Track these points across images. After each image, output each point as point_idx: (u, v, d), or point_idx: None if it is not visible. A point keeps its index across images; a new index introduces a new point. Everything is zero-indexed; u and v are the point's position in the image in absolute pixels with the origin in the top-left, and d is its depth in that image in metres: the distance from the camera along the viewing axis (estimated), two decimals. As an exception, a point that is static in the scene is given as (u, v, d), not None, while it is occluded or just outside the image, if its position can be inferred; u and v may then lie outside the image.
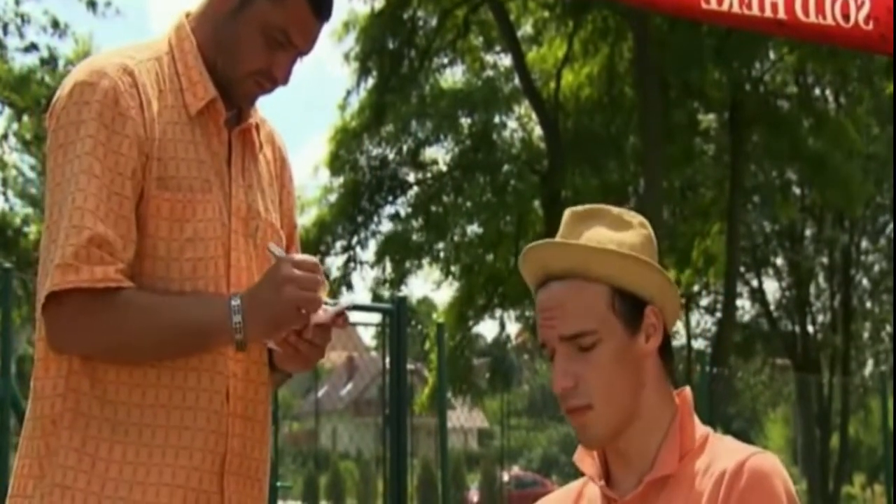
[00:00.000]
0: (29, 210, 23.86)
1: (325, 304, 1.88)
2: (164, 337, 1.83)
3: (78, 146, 1.82)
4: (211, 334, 1.84)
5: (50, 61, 15.13)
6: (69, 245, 1.77)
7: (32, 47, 15.09)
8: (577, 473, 1.83)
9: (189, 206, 1.87)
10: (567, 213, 1.76)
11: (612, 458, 1.73)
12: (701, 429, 1.72)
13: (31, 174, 26.80)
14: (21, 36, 15.20)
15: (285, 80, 1.98)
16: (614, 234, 1.72)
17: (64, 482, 1.83)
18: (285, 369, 1.99)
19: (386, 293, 18.45)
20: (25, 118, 16.05)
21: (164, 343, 1.83)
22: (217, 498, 1.88)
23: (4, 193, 17.32)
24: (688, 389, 1.74)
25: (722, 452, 1.67)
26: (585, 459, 1.75)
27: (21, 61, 15.44)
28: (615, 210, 1.76)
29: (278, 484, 5.98)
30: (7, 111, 15.54)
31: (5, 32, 15.19)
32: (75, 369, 1.86)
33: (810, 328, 25.74)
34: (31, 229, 15.24)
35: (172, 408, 1.85)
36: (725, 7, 2.49)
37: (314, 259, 1.85)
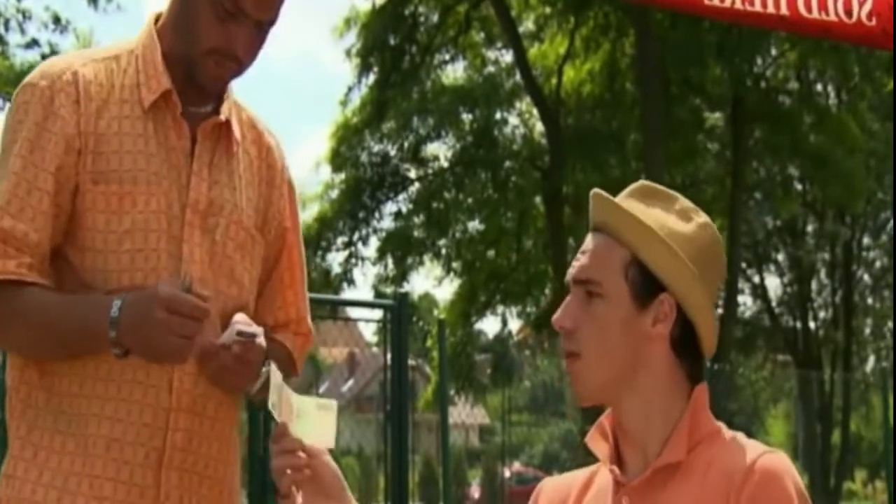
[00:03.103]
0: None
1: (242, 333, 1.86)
2: (49, 338, 1.84)
3: (13, 147, 1.88)
4: (93, 344, 1.83)
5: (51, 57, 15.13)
6: None
7: (34, 43, 15.08)
8: (580, 468, 1.84)
9: (128, 197, 1.88)
10: (637, 183, 1.81)
11: (623, 442, 1.74)
12: (713, 423, 1.73)
13: (32, 170, 26.75)
14: (22, 32, 15.20)
15: (249, 56, 1.95)
16: (669, 218, 1.75)
17: (8, 471, 1.89)
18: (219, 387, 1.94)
19: (387, 289, 18.45)
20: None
21: (52, 344, 1.85)
22: (152, 492, 1.88)
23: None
24: (703, 384, 1.75)
25: (733, 448, 1.67)
26: (599, 443, 1.76)
27: (22, 57, 15.44)
28: (686, 202, 1.79)
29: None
30: (7, 106, 15.53)
31: (6, 28, 15.19)
32: (29, 362, 1.91)
33: (812, 324, 25.75)
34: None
35: (108, 399, 1.87)
36: (728, 3, 2.49)
37: (192, 301, 1.77)
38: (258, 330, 1.89)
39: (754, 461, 1.62)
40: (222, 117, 1.99)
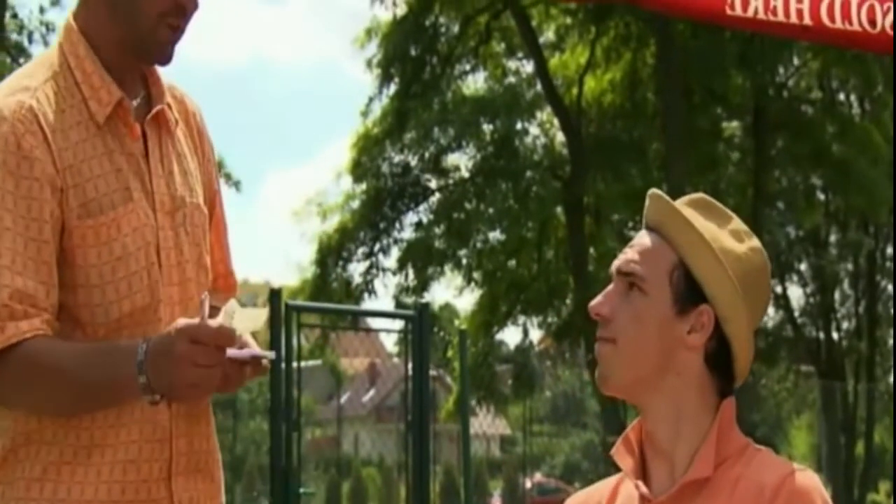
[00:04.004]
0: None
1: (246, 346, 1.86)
2: (76, 395, 1.82)
3: None
4: (123, 394, 1.82)
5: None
6: None
7: (57, 55, 15.18)
8: (600, 480, 1.83)
9: (113, 225, 1.85)
10: (696, 195, 1.82)
11: (650, 454, 1.73)
12: (741, 438, 1.72)
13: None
14: (45, 44, 15.31)
15: (193, 4, 1.92)
16: (722, 234, 1.75)
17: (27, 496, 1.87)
18: None
19: (408, 300, 18.45)
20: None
21: (76, 399, 1.83)
22: (167, 502, 1.89)
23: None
24: (731, 398, 1.74)
25: (762, 464, 1.66)
26: (625, 457, 1.75)
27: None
28: (740, 223, 1.81)
29: (301, 490, 5.99)
30: None
31: (30, 41, 15.32)
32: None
33: (835, 334, 25.59)
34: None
35: (121, 426, 1.86)
36: (750, 13, 2.48)
37: (214, 327, 1.75)
38: (270, 354, 1.89)
39: (784, 479, 1.61)
40: (162, 105, 1.96)
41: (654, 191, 1.78)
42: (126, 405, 1.85)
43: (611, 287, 1.74)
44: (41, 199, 1.81)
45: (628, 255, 1.74)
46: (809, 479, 1.63)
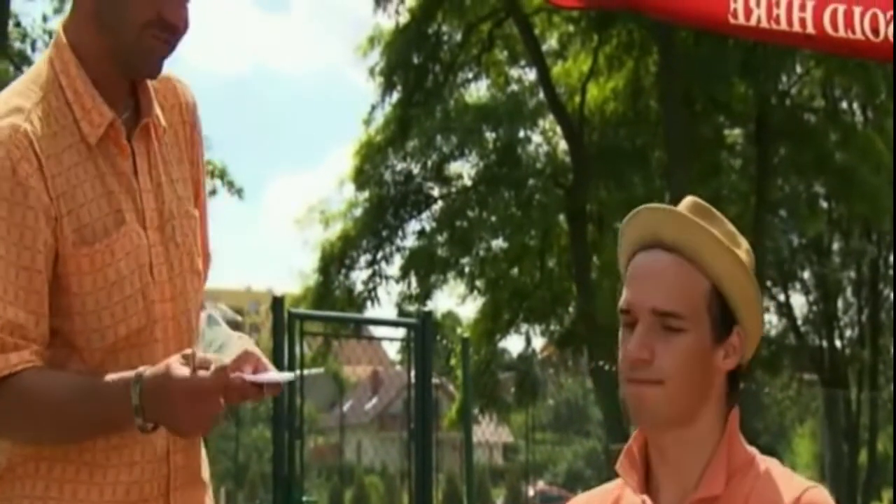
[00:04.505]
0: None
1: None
2: (68, 428, 1.82)
3: None
4: (117, 428, 1.83)
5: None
6: None
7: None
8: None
9: (107, 251, 1.84)
10: (691, 199, 1.70)
11: (659, 469, 1.68)
12: (747, 450, 1.69)
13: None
14: (49, 52, 15.31)
15: (183, 24, 1.89)
16: (735, 245, 1.68)
17: None
18: None
19: (411, 308, 18.44)
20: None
21: (68, 432, 1.83)
22: None
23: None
24: (735, 408, 1.71)
25: (772, 481, 1.63)
26: (630, 471, 1.70)
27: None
28: (730, 225, 1.70)
29: (304, 499, 5.99)
30: None
31: (33, 49, 15.32)
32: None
33: (838, 343, 25.55)
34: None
35: (123, 447, 1.86)
36: (753, 22, 2.48)
37: (211, 380, 1.74)
38: (290, 377, 1.91)
39: (798, 499, 1.59)
40: (150, 118, 1.94)
41: (670, 208, 1.67)
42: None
43: (643, 328, 1.62)
44: (35, 228, 1.78)
45: (657, 289, 1.62)
46: (823, 498, 1.60)
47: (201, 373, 1.74)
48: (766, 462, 1.68)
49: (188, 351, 1.79)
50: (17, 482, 1.86)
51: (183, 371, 1.75)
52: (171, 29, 1.88)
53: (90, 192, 1.84)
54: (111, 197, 1.86)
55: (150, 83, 1.96)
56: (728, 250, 1.64)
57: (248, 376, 1.79)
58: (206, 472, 2.02)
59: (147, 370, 1.78)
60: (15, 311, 1.76)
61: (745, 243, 1.69)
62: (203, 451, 2.02)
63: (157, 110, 1.96)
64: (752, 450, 1.70)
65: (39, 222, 1.79)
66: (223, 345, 1.80)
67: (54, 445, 1.85)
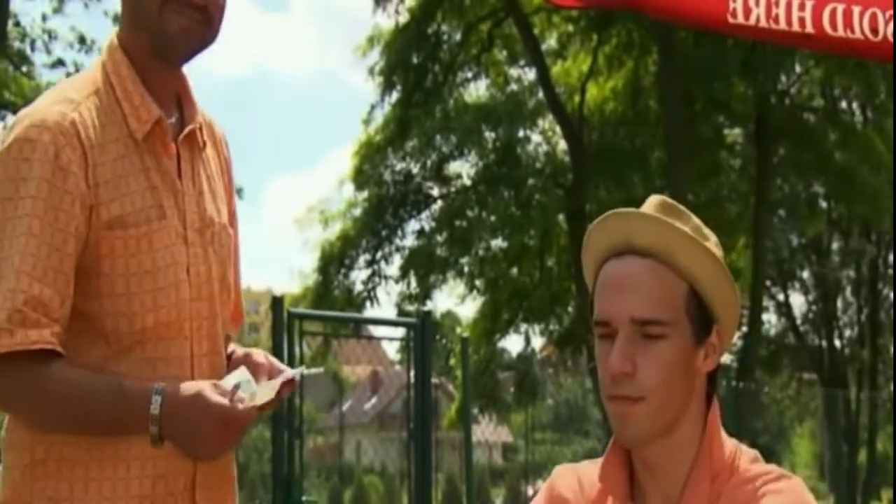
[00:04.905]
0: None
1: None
2: (81, 424, 1.84)
3: (19, 206, 1.81)
4: (129, 433, 1.85)
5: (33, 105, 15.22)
6: (4, 309, 1.77)
7: (59, 63, 15.21)
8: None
9: (145, 238, 1.88)
10: (657, 199, 1.65)
11: (643, 476, 1.65)
12: (728, 445, 1.65)
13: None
14: (48, 52, 15.34)
15: (206, 1, 1.93)
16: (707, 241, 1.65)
17: None
18: None
19: (411, 308, 18.44)
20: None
21: (80, 428, 1.85)
22: None
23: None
24: (715, 403, 1.66)
25: (744, 482, 1.59)
26: (614, 481, 1.66)
27: (48, 77, 15.56)
28: (696, 219, 1.65)
29: (303, 498, 5.98)
30: None
31: (32, 48, 15.33)
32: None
33: (837, 342, 25.57)
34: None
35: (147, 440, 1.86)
36: (752, 21, 2.48)
37: (243, 414, 1.81)
38: (297, 372, 1.94)
39: (763, 491, 1.56)
40: (195, 125, 2.00)
41: (639, 212, 1.62)
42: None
43: (623, 339, 1.57)
44: (70, 213, 1.83)
45: (637, 297, 1.57)
46: (781, 485, 1.57)
47: (238, 404, 1.80)
48: (747, 457, 1.64)
49: (222, 382, 1.85)
50: (37, 483, 1.86)
51: (219, 398, 1.80)
52: (191, 4, 1.92)
53: (134, 184, 1.89)
54: (154, 192, 1.91)
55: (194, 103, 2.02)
56: (703, 248, 1.59)
57: (263, 384, 1.87)
58: (233, 470, 2.04)
59: (170, 386, 1.82)
60: (41, 287, 1.78)
61: (713, 236, 1.65)
62: (231, 455, 2.04)
63: (202, 120, 2.03)
64: (733, 443, 1.66)
65: (75, 207, 1.83)
66: (250, 381, 1.87)
67: (54, 432, 1.85)
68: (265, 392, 1.87)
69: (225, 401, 1.80)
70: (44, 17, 15.43)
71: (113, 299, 1.86)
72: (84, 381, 1.82)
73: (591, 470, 1.72)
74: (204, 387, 1.82)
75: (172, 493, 1.89)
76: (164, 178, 1.93)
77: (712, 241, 1.64)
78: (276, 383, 1.89)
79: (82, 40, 15.26)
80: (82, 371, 1.83)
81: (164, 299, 1.89)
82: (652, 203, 1.65)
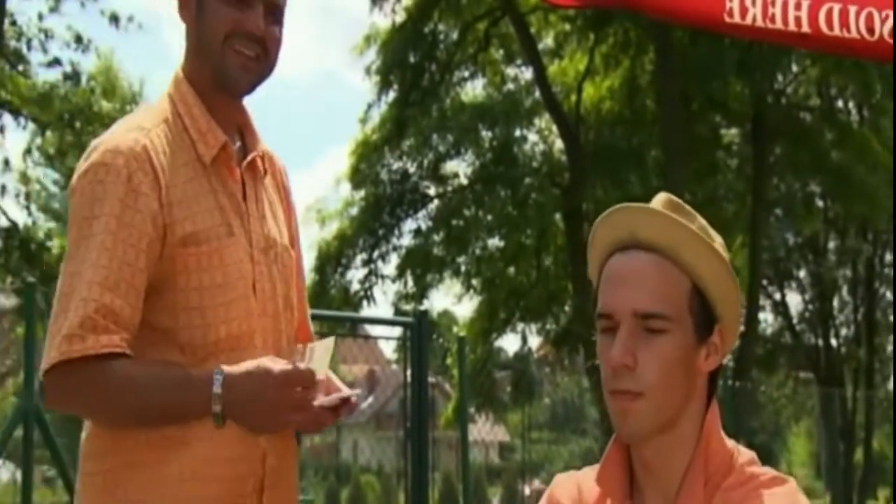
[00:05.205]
0: (52, 224, 24.00)
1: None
2: (148, 414, 1.94)
3: (94, 224, 1.93)
4: (192, 417, 1.94)
5: (73, 76, 15.21)
6: (77, 316, 1.88)
7: (56, 62, 15.18)
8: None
9: (216, 254, 2.00)
10: (664, 196, 1.65)
11: (641, 474, 1.65)
12: (727, 446, 1.65)
13: (54, 189, 26.98)
14: (44, 51, 15.30)
15: (264, 34, 2.05)
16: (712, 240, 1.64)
17: None
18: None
19: (407, 307, 18.44)
20: (49, 133, 16.14)
21: (147, 418, 1.94)
22: None
23: (28, 207, 17.41)
24: (714, 404, 1.66)
25: (741, 486, 1.59)
26: (612, 480, 1.66)
27: (44, 76, 15.55)
28: (702, 220, 1.65)
29: (300, 497, 5.98)
30: (30, 126, 15.64)
31: (29, 48, 15.30)
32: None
33: (833, 341, 25.59)
34: (55, 243, 15.31)
35: (226, 442, 1.97)
36: (749, 21, 2.48)
37: (303, 373, 1.93)
38: (356, 392, 2.07)
39: (749, 496, 1.55)
40: (258, 153, 2.14)
41: (646, 206, 1.62)
42: (229, 425, 1.96)
43: (625, 332, 1.57)
44: (141, 230, 1.95)
45: (641, 291, 1.57)
46: (776, 488, 1.56)
47: (299, 364, 1.94)
48: (744, 458, 1.63)
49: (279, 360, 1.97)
50: (119, 489, 1.95)
51: (281, 363, 1.93)
52: (251, 38, 2.05)
53: (203, 204, 2.02)
54: (221, 212, 2.04)
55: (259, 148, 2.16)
56: (708, 246, 1.59)
57: (323, 400, 1.97)
58: (296, 477, 2.14)
59: (228, 367, 1.93)
60: (112, 297, 1.90)
61: (718, 238, 1.65)
62: (296, 461, 2.14)
63: (263, 149, 2.17)
64: (732, 444, 1.65)
65: (146, 225, 1.95)
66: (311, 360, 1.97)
67: (123, 427, 1.95)
68: (321, 354, 1.99)
69: (287, 365, 1.92)
70: (40, 17, 15.40)
71: (187, 312, 1.98)
72: (149, 371, 1.93)
73: (590, 476, 1.72)
74: (262, 359, 1.93)
75: (241, 494, 1.98)
76: (230, 199, 2.05)
77: (718, 242, 1.64)
78: (328, 343, 2.01)
79: (79, 39, 15.22)
80: (146, 363, 1.94)
81: (236, 311, 2.00)
82: (659, 200, 1.65)
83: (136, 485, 1.93)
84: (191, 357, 1.97)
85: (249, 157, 2.11)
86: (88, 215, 1.94)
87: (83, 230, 1.94)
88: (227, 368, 1.91)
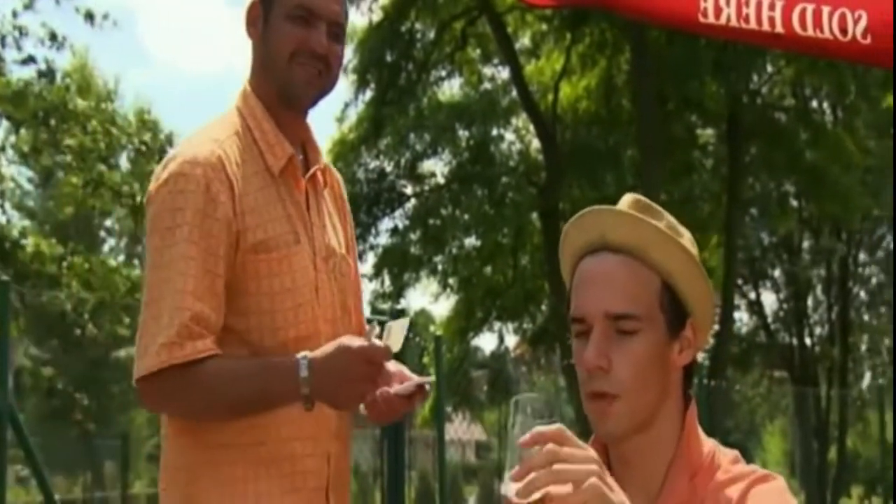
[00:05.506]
0: (26, 222, 23.85)
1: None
2: (241, 406, 2.08)
3: (177, 233, 2.06)
4: (283, 402, 2.09)
5: (47, 74, 15.10)
6: (174, 325, 2.02)
7: (30, 60, 15.07)
8: None
9: (285, 260, 2.13)
10: (631, 197, 1.67)
11: (622, 474, 1.63)
12: (707, 444, 1.66)
13: (28, 186, 26.82)
14: (19, 48, 15.17)
15: (328, 52, 2.18)
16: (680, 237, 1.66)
17: None
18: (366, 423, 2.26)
19: (384, 306, 18.43)
20: (23, 131, 16.04)
21: (241, 409, 2.09)
22: None
23: (2, 206, 17.27)
24: (692, 403, 1.67)
25: (730, 474, 1.61)
26: None
27: (18, 74, 15.43)
28: (671, 217, 1.67)
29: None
30: (5, 124, 15.54)
31: (3, 45, 15.17)
32: (204, 426, 2.12)
33: (808, 340, 25.73)
34: (29, 241, 15.19)
35: (306, 438, 2.14)
36: (723, 21, 2.49)
37: (383, 348, 2.06)
38: (430, 379, 2.16)
39: (747, 490, 1.56)
40: (320, 166, 2.27)
41: (614, 208, 1.64)
42: (305, 422, 2.11)
43: (598, 334, 1.59)
44: (219, 238, 2.07)
45: (607, 292, 1.58)
46: (767, 485, 1.57)
47: (376, 341, 2.06)
48: (725, 456, 1.65)
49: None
50: (203, 495, 2.09)
51: (360, 340, 2.05)
52: (315, 56, 2.17)
53: (273, 213, 2.14)
54: (289, 220, 2.16)
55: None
56: (676, 243, 1.61)
57: (398, 388, 2.08)
58: (350, 480, 2.31)
59: (310, 353, 2.06)
60: (201, 305, 2.04)
61: (686, 233, 1.67)
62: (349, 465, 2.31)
63: (324, 162, 2.30)
64: (712, 442, 1.67)
65: (223, 233, 2.07)
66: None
67: (218, 420, 2.09)
68: (396, 332, 2.10)
69: (362, 341, 2.04)
70: (14, 14, 15.26)
71: (259, 316, 2.11)
72: (238, 366, 2.07)
73: None
74: (341, 338, 2.06)
75: (316, 487, 2.14)
76: (296, 208, 2.18)
77: (686, 238, 1.66)
78: (403, 322, 2.14)
79: (53, 37, 15.10)
80: (234, 359, 2.08)
81: (303, 315, 2.14)
82: (626, 201, 1.67)
83: (217, 480, 2.07)
84: (261, 356, 2.10)
85: (312, 170, 2.23)
86: (171, 224, 2.06)
87: (166, 239, 2.05)
88: (309, 354, 2.03)
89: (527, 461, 1.32)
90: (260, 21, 2.21)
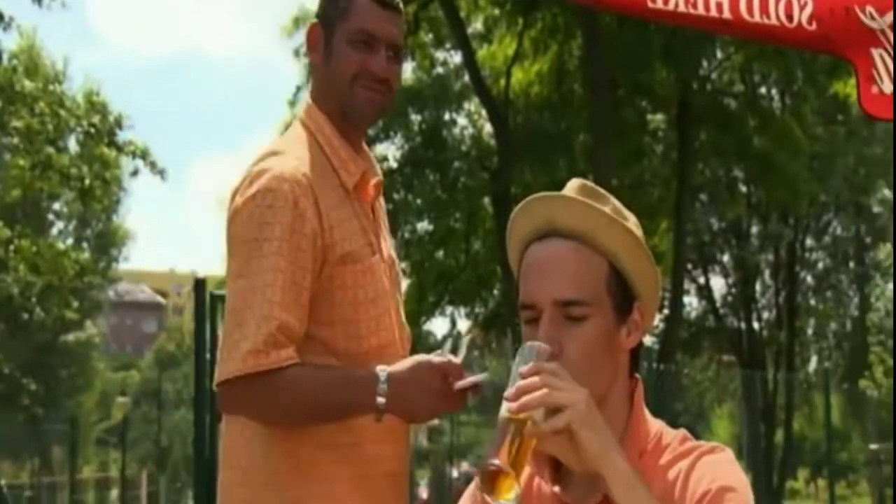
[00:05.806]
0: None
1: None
2: (319, 414, 2.15)
3: (265, 246, 2.12)
4: (357, 413, 2.15)
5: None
6: (260, 333, 2.08)
7: (-24, 40, 14.82)
8: None
9: (368, 271, 2.22)
10: (577, 182, 1.68)
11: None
12: (654, 424, 1.68)
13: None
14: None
15: (388, 75, 2.27)
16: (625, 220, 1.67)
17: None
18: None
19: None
20: (-30, 112, 15.77)
21: (318, 418, 2.16)
22: None
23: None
24: (639, 384, 1.69)
25: (678, 451, 1.62)
26: (539, 462, 1.67)
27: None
28: (616, 201, 1.69)
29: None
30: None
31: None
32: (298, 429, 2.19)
33: (756, 324, 26.04)
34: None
35: (391, 441, 2.22)
36: (672, 6, 2.51)
37: (458, 366, 2.14)
38: (484, 376, 2.19)
39: (694, 464, 1.58)
40: (379, 177, 2.35)
41: (560, 194, 1.64)
42: (389, 425, 2.16)
43: (547, 321, 1.59)
44: (307, 252, 2.14)
45: (560, 279, 1.59)
46: (716, 457, 1.59)
47: (452, 358, 2.14)
48: (671, 435, 1.67)
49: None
50: (305, 495, 2.16)
51: (439, 357, 2.14)
52: (377, 79, 2.26)
53: (351, 227, 2.22)
54: (364, 233, 2.25)
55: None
56: (622, 226, 1.62)
57: (459, 383, 2.12)
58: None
59: (389, 367, 2.13)
60: (287, 316, 2.11)
61: (632, 217, 1.69)
62: None
63: (379, 175, 2.38)
64: (659, 423, 1.69)
65: (310, 247, 2.15)
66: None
67: (295, 427, 2.16)
68: (463, 354, 2.18)
69: (444, 358, 2.13)
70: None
71: (344, 325, 2.19)
72: (318, 375, 2.13)
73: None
74: (419, 355, 2.16)
75: (394, 487, 2.24)
76: (367, 221, 2.27)
77: (632, 221, 1.67)
78: (466, 341, 2.25)
79: (0, 17, 14.89)
80: (314, 368, 2.15)
81: (384, 323, 2.24)
82: (573, 186, 1.68)
83: (313, 482, 2.16)
84: (345, 364, 2.18)
85: (374, 182, 2.32)
86: (258, 237, 2.12)
87: (253, 251, 2.12)
88: (388, 367, 2.12)
89: (523, 384, 1.48)
90: (321, 45, 2.33)
